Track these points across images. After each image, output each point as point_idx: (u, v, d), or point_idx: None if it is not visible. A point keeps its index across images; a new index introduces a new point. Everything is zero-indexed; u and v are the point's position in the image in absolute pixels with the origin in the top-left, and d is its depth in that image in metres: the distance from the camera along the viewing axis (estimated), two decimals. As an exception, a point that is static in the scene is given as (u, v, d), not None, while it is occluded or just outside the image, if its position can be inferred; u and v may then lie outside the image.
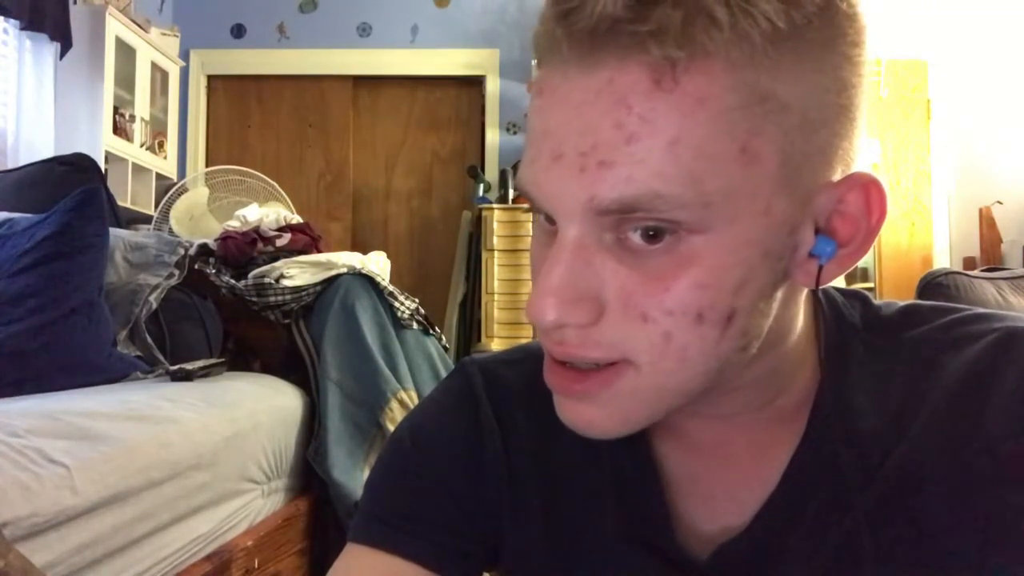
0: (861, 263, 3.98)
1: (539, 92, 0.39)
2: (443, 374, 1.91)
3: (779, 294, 0.40)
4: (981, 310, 0.47)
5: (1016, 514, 0.40)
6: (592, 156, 0.36)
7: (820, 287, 0.40)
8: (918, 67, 3.62)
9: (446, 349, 2.04)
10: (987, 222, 3.32)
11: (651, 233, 0.36)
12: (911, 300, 0.51)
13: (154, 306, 1.62)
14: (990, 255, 3.28)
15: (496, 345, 3.15)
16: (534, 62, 0.41)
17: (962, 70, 3.52)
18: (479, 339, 3.26)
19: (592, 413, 0.41)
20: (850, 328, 0.47)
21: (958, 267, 3.32)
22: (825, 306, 0.47)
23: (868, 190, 0.39)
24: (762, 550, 0.45)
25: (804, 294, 0.44)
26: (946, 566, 0.41)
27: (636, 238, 0.37)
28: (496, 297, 3.19)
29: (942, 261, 3.56)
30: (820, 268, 0.39)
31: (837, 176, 0.39)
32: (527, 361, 0.55)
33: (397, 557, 0.50)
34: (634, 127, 0.35)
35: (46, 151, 2.54)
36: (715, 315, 0.37)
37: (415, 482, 0.52)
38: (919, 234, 3.57)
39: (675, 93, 0.34)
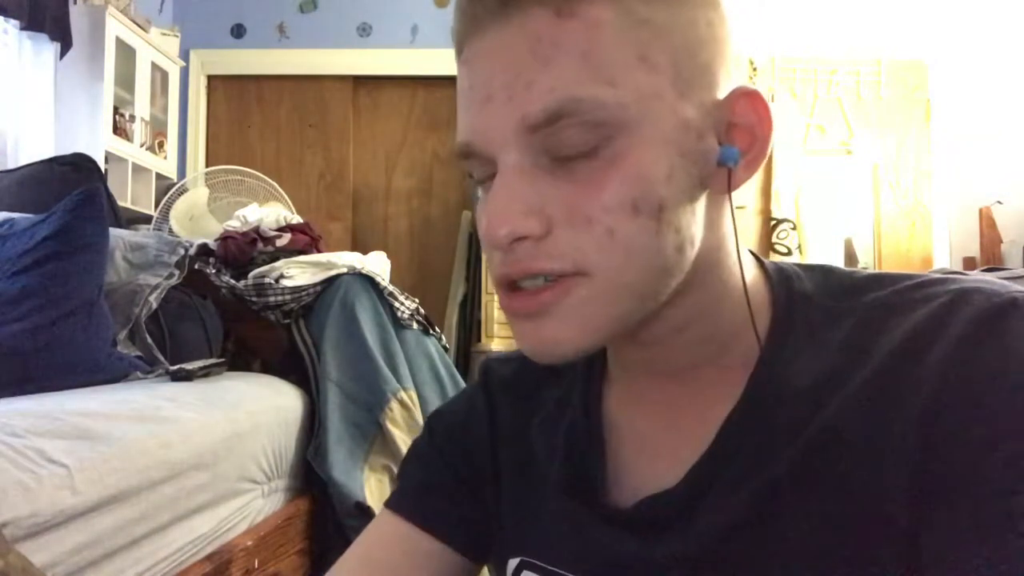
0: (861, 263, 3.97)
1: (464, 62, 0.45)
2: (443, 374, 1.91)
3: (702, 202, 0.45)
4: (949, 275, 0.47)
5: (940, 474, 0.39)
6: (516, 85, 0.42)
7: (731, 191, 0.46)
8: (918, 67, 3.61)
9: (446, 349, 2.04)
10: (987, 222, 3.32)
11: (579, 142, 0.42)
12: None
13: (154, 306, 1.62)
14: (990, 255, 3.28)
15: (496, 345, 3.15)
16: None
17: (962, 70, 3.52)
18: (479, 339, 3.26)
19: (552, 329, 0.44)
20: (800, 296, 0.49)
21: (958, 267, 3.32)
22: (774, 277, 0.51)
23: (753, 100, 0.45)
24: (685, 501, 0.47)
25: (726, 213, 0.48)
26: (868, 524, 0.41)
27: (567, 151, 0.42)
28: (496, 297, 3.18)
29: (942, 261, 3.56)
30: (729, 172, 0.45)
31: (724, 94, 0.46)
32: (518, 360, 0.62)
33: (409, 523, 0.59)
34: (548, 51, 0.41)
35: (46, 151, 2.54)
36: (648, 206, 0.42)
37: (426, 457, 0.63)
38: (919, 234, 3.57)
39: (575, 19, 0.41)
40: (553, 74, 0.41)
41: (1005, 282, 0.44)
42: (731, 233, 0.49)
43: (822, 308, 0.48)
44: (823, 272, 0.51)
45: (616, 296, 0.43)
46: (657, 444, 0.51)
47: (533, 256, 0.43)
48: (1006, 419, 0.38)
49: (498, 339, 3.16)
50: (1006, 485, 0.37)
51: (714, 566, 0.45)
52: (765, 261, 0.52)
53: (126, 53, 3.04)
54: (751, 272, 0.50)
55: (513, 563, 0.55)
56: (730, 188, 0.45)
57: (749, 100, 0.45)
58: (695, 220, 0.44)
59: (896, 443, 0.41)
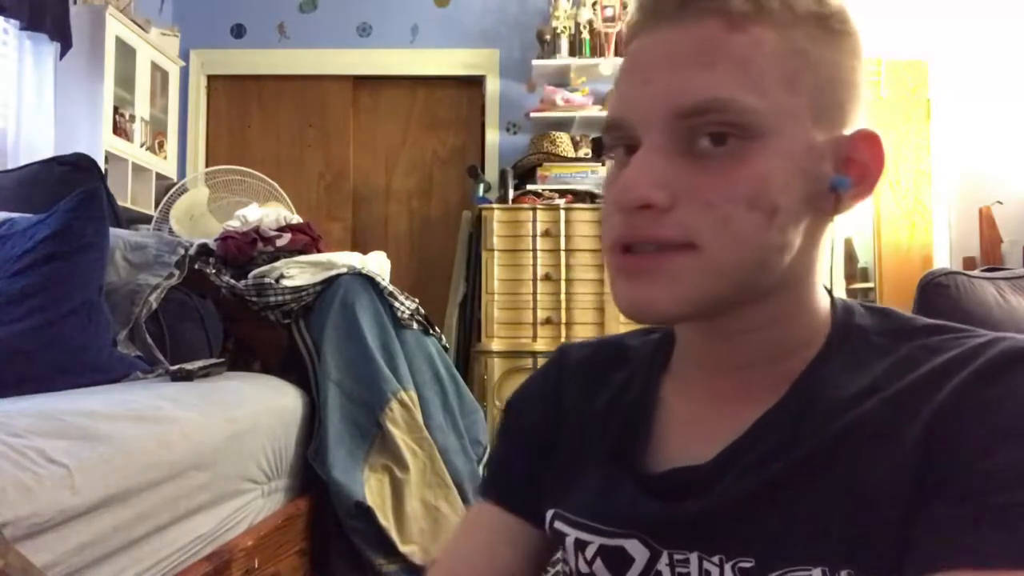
0: (861, 263, 3.96)
1: (632, 50, 0.51)
2: (443, 374, 1.91)
3: (807, 220, 0.50)
4: (1005, 333, 0.51)
5: (936, 473, 0.43)
6: (677, 77, 0.47)
7: (836, 213, 0.51)
8: (918, 67, 3.61)
9: (446, 349, 2.04)
10: (987, 222, 3.32)
11: (717, 138, 0.47)
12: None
13: (154, 306, 1.62)
14: (990, 255, 3.28)
15: (496, 345, 3.15)
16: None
17: (962, 70, 3.51)
18: (479, 339, 3.25)
19: (652, 291, 0.49)
20: (857, 328, 0.54)
21: (958, 267, 3.32)
22: (839, 309, 0.56)
23: (872, 143, 0.51)
24: (708, 476, 0.52)
25: (822, 240, 0.52)
26: (864, 520, 0.45)
27: (705, 143, 0.47)
28: (496, 297, 3.18)
29: (942, 261, 3.56)
30: (839, 196, 0.50)
31: (849, 132, 0.51)
32: (592, 346, 0.68)
33: (494, 505, 0.64)
34: (712, 56, 0.47)
35: (46, 151, 2.54)
36: (763, 205, 0.47)
37: (503, 441, 0.69)
38: (919, 234, 3.57)
39: (742, 34, 0.47)
40: (712, 75, 0.47)
41: None
42: (820, 259, 0.54)
43: (873, 343, 0.53)
44: (883, 314, 0.56)
45: (717, 274, 0.48)
46: (698, 428, 0.56)
47: (652, 224, 0.48)
48: (1003, 432, 0.43)
49: (498, 339, 3.16)
50: (992, 486, 0.41)
51: (716, 531, 0.50)
52: (835, 296, 0.58)
53: (126, 53, 3.04)
54: (822, 300, 0.55)
55: (549, 514, 0.61)
56: (835, 212, 0.51)
57: (869, 142, 0.51)
58: (797, 232, 0.49)
59: (903, 448, 0.45)
